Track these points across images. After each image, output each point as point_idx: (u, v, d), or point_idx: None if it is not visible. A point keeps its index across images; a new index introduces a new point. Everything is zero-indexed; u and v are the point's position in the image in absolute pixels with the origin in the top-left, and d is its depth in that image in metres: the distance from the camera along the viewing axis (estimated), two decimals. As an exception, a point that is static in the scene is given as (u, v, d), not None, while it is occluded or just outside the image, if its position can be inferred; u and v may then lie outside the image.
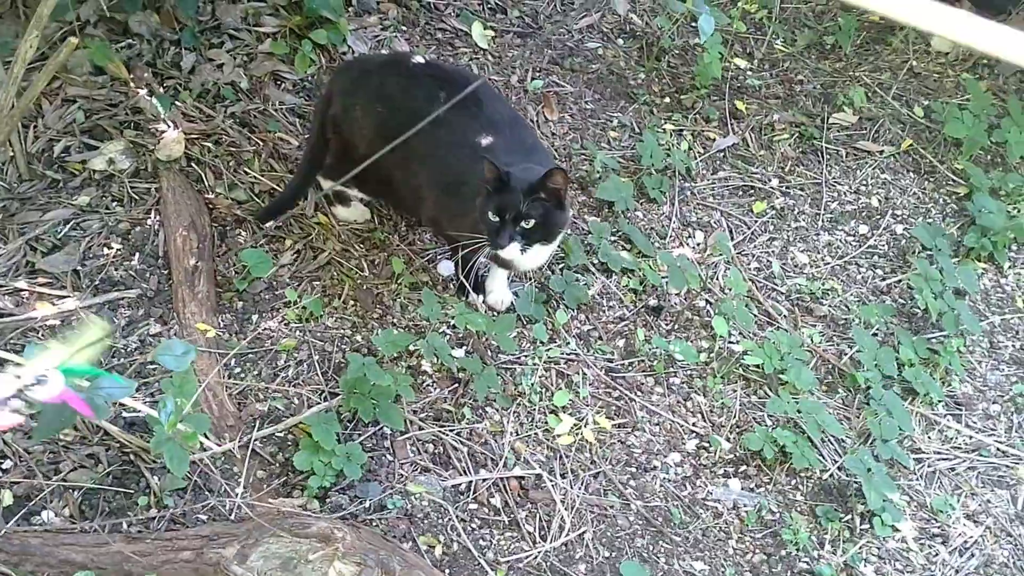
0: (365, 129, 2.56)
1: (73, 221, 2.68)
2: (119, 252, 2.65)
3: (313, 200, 2.86)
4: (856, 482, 2.37)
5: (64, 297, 2.52)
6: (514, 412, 2.48)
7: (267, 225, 2.76)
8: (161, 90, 3.00)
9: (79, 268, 2.60)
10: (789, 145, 3.32)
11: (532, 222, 2.21)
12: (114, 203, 2.76)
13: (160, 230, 2.71)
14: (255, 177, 2.89)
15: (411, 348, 2.53)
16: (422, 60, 2.70)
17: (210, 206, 2.80)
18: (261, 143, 2.98)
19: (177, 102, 2.99)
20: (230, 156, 2.93)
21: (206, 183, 2.85)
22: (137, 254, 2.66)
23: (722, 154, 3.27)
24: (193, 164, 2.88)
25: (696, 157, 3.23)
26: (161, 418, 1.35)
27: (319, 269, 2.73)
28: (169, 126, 2.92)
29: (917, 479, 2.45)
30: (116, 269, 2.62)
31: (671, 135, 3.27)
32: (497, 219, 2.20)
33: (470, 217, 2.38)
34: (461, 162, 2.41)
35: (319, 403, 2.41)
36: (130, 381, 1.27)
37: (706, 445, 2.46)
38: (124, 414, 2.30)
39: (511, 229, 2.20)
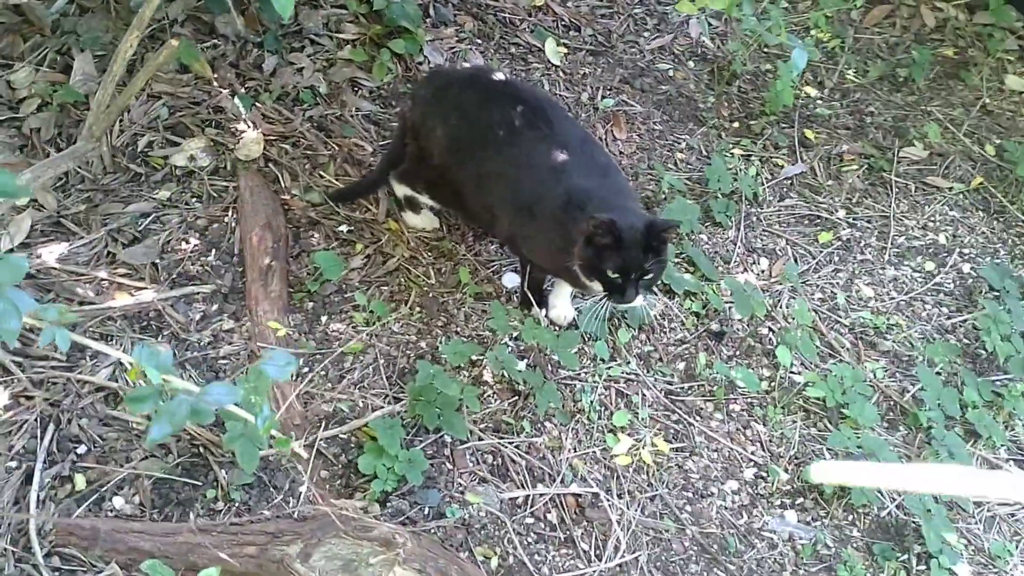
0: (440, 140, 2.61)
1: (154, 215, 2.76)
2: (196, 247, 2.72)
3: (385, 206, 2.91)
4: (915, 521, 2.35)
5: (142, 288, 2.60)
6: (573, 428, 2.50)
7: (340, 206, 2.87)
8: (243, 90, 3.08)
9: (157, 261, 2.67)
10: (857, 176, 3.31)
11: (651, 276, 2.27)
12: (193, 199, 2.83)
13: (236, 228, 2.77)
14: (330, 181, 2.95)
15: (474, 358, 2.56)
16: (501, 77, 2.74)
17: (285, 207, 2.87)
18: (337, 148, 3.03)
19: (257, 103, 3.06)
20: (306, 159, 2.99)
21: (282, 184, 2.91)
22: (214, 250, 2.73)
23: (789, 182, 3.27)
24: (271, 165, 2.94)
25: (763, 183, 3.23)
26: (258, 424, 1.39)
27: (387, 275, 2.78)
28: (249, 126, 2.99)
29: (976, 523, 2.43)
30: (193, 264, 2.69)
31: (739, 160, 3.27)
32: (619, 276, 2.24)
33: (545, 241, 2.42)
34: (535, 183, 2.44)
35: (383, 407, 2.46)
36: (236, 388, 1.31)
37: (764, 475, 2.46)
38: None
39: (635, 284, 2.25)
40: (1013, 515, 2.46)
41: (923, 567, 2.30)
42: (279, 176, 2.92)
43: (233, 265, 2.71)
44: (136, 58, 2.92)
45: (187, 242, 2.72)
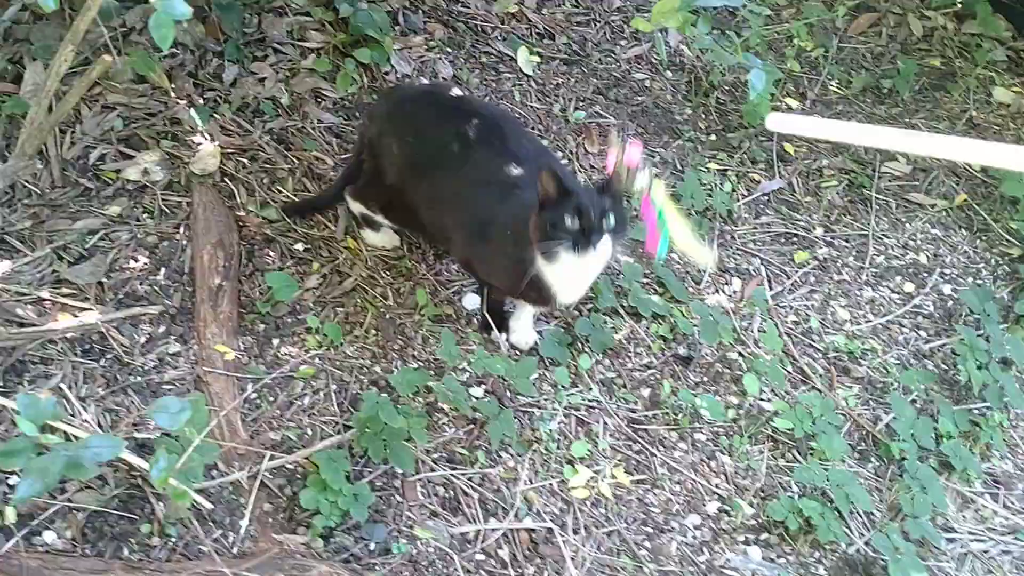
0: (394, 158, 2.53)
1: (102, 231, 2.67)
2: (145, 266, 2.63)
3: (344, 224, 2.82)
4: (883, 559, 2.26)
5: (86, 309, 2.50)
6: (529, 459, 2.41)
7: (296, 222, 2.80)
8: (201, 101, 2.98)
9: (104, 280, 2.58)
10: (837, 192, 3.22)
11: (613, 218, 2.13)
12: (145, 215, 2.74)
13: (188, 246, 2.68)
14: (288, 196, 2.85)
15: (430, 384, 2.47)
16: (457, 93, 2.65)
17: (240, 223, 2.77)
18: (297, 161, 2.94)
19: (216, 115, 2.97)
20: (264, 173, 2.90)
21: (238, 199, 2.82)
22: (163, 269, 2.64)
23: (766, 198, 3.18)
24: (227, 179, 2.85)
25: (739, 199, 3.13)
26: (152, 475, 1.30)
27: (344, 295, 2.69)
28: (206, 139, 2.89)
29: (948, 560, 2.34)
30: (141, 283, 2.59)
31: (715, 175, 3.18)
32: (578, 221, 2.09)
33: (502, 259, 2.33)
34: (489, 201, 2.35)
35: (332, 435, 2.36)
36: (118, 440, 1.22)
37: (728, 509, 2.37)
38: (136, 433, 2.27)
39: (599, 230, 2.10)
40: (987, 552, 2.36)
41: (890, 608, 2.21)
42: (235, 191, 2.83)
43: (183, 284, 2.61)
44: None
45: (136, 260, 2.63)
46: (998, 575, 2.32)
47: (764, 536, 2.33)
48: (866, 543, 2.31)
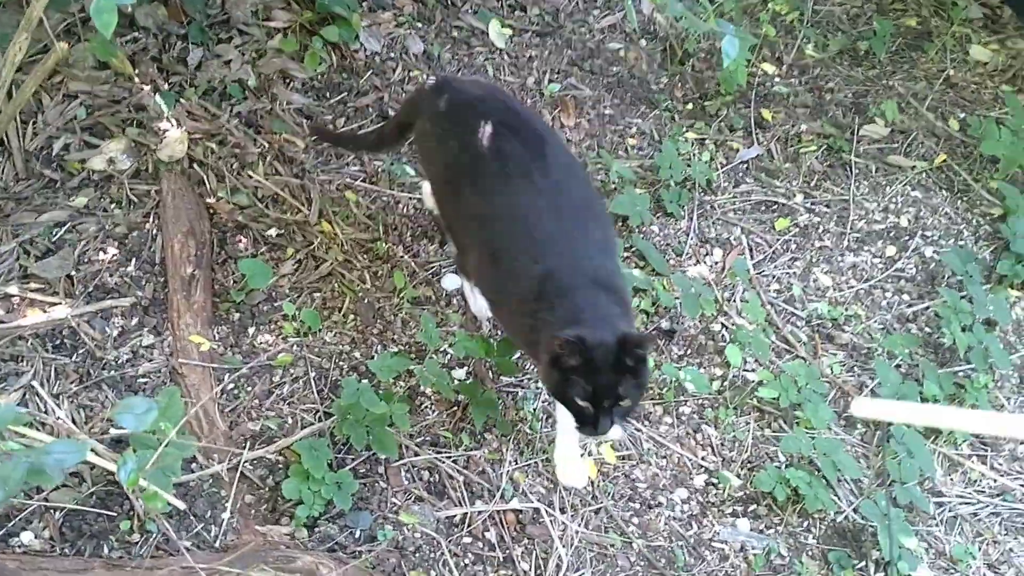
0: (434, 158, 2.37)
1: (69, 223, 2.61)
2: (115, 257, 2.57)
3: (318, 207, 2.76)
4: (872, 526, 2.25)
5: (55, 304, 2.45)
6: (514, 439, 2.38)
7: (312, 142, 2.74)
8: (166, 86, 2.91)
9: (73, 273, 2.52)
10: (816, 158, 3.18)
11: (627, 403, 1.90)
12: (112, 205, 2.68)
13: (158, 235, 2.62)
14: (259, 181, 2.79)
15: (411, 368, 2.43)
16: (513, 107, 2.35)
17: (211, 211, 2.71)
18: (267, 144, 2.88)
19: (182, 100, 2.90)
20: (234, 158, 2.84)
21: (208, 186, 2.76)
22: (133, 260, 2.58)
23: (745, 166, 3.14)
24: (195, 165, 2.79)
25: (718, 168, 3.09)
26: (120, 477, 1.26)
27: (320, 280, 2.64)
28: (172, 125, 2.83)
29: (937, 524, 2.33)
30: (111, 275, 2.54)
31: (693, 144, 3.13)
32: (590, 405, 1.88)
33: (516, 324, 2.16)
34: (513, 256, 2.12)
35: (313, 423, 2.33)
36: (82, 444, 1.18)
37: (715, 481, 2.35)
38: (112, 429, 2.23)
39: (609, 414, 1.89)
40: (975, 514, 2.35)
41: (881, 574, 2.20)
42: (204, 177, 2.77)
43: (154, 275, 2.56)
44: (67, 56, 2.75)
45: (105, 252, 2.57)
46: (987, 537, 2.32)
47: (752, 507, 2.32)
48: (855, 510, 2.30)
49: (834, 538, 2.28)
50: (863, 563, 2.23)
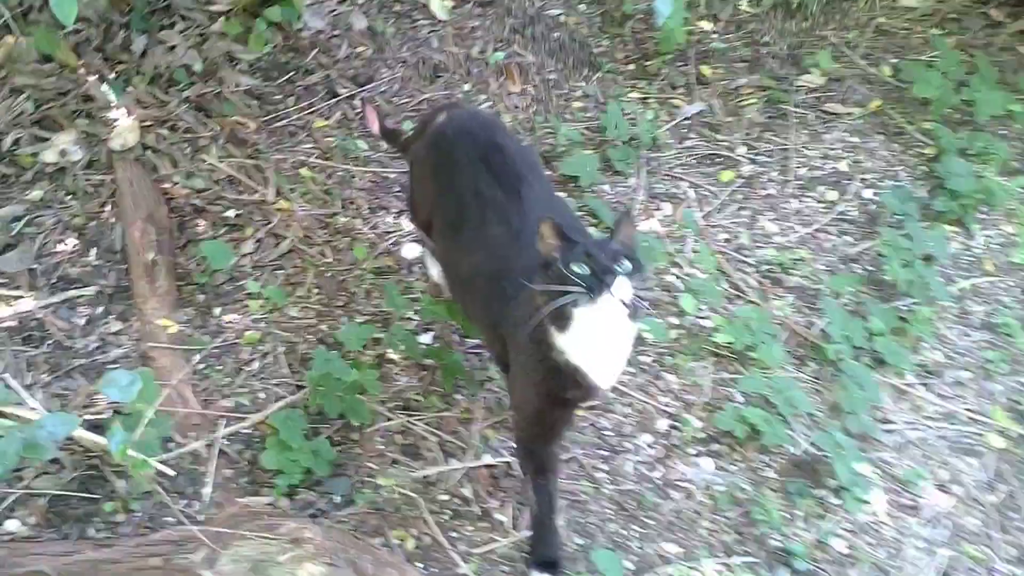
0: (426, 189, 2.33)
1: (26, 217, 2.62)
2: (75, 248, 2.59)
3: (275, 186, 2.80)
4: (827, 457, 2.37)
5: (20, 297, 2.47)
6: (483, 398, 2.45)
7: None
8: (112, 76, 2.92)
9: (35, 266, 2.54)
10: (756, 110, 3.28)
11: (628, 264, 1.79)
12: (68, 197, 2.69)
13: (117, 223, 2.65)
14: (213, 164, 2.82)
15: (377, 336, 2.50)
16: (503, 143, 2.25)
17: (168, 196, 2.74)
18: (218, 127, 2.91)
19: (129, 88, 2.91)
20: (186, 143, 2.86)
21: (162, 172, 2.78)
22: (94, 249, 2.60)
23: (688, 122, 3.23)
24: (148, 152, 2.81)
25: (662, 126, 3.18)
26: (111, 447, 1.31)
27: (281, 257, 2.69)
28: (122, 113, 2.83)
29: (888, 450, 2.46)
30: (73, 266, 2.56)
31: (636, 104, 3.22)
32: (587, 268, 1.76)
33: (524, 373, 2.02)
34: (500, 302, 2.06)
35: (286, 397, 2.38)
36: (73, 417, 1.23)
37: (678, 425, 2.46)
38: (86, 415, 2.26)
39: (611, 268, 1.76)
40: (924, 438, 2.49)
41: (838, 501, 2.32)
42: (158, 164, 2.79)
43: (116, 263, 2.58)
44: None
45: (64, 243, 2.59)
46: (936, 459, 2.45)
47: (714, 447, 2.42)
48: (811, 443, 2.42)
49: (793, 471, 2.39)
50: (821, 492, 2.35)
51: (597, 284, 1.74)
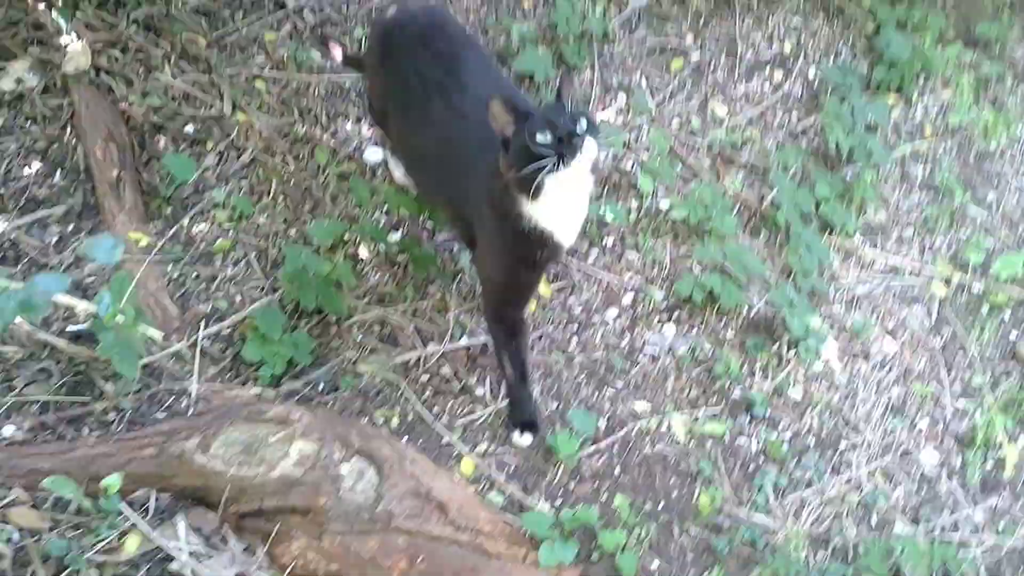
0: (376, 81, 2.44)
1: (-12, 144, 2.64)
2: (40, 170, 2.63)
3: (230, 100, 2.83)
4: (782, 313, 2.50)
5: (-10, 221, 2.50)
6: (456, 287, 2.55)
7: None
8: (60, 3, 2.90)
9: (1, 191, 2.57)
10: (702, 0, 3.34)
11: (585, 121, 1.86)
12: (28, 122, 2.71)
13: (78, 144, 2.67)
14: (167, 82, 2.84)
15: (347, 238, 2.57)
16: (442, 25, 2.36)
17: (125, 115, 2.76)
18: (169, 46, 2.92)
19: (78, 13, 2.90)
20: (139, 63, 2.87)
21: (118, 93, 2.80)
22: (58, 171, 2.64)
23: (637, 15, 3.29)
24: (102, 74, 2.82)
25: (612, 19, 3.23)
26: (99, 311, 1.39)
27: (244, 168, 2.73)
28: (72, 38, 2.84)
29: (838, 306, 2.60)
30: (39, 188, 2.59)
31: (586, 1, 3.26)
32: (550, 134, 1.82)
33: (491, 239, 2.11)
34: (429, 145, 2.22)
35: (261, 298, 2.46)
36: (63, 276, 1.30)
37: (641, 297, 2.57)
38: (69, 328, 2.32)
39: (573, 130, 1.83)
40: (871, 292, 2.63)
41: (793, 352, 2.46)
42: (113, 85, 2.81)
43: (82, 182, 2.62)
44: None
45: (29, 166, 2.62)
46: (883, 308, 2.60)
47: (676, 314, 2.55)
48: (765, 303, 2.55)
49: (750, 330, 2.53)
50: (777, 346, 2.49)
51: (568, 149, 1.81)
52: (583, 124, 1.84)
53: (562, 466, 2.21)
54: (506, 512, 2.11)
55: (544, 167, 1.81)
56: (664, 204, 2.76)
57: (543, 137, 1.82)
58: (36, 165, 2.62)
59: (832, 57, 3.18)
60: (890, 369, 2.47)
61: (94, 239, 1.43)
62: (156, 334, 1.53)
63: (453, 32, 2.34)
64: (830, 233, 2.72)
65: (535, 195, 1.88)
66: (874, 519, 2.20)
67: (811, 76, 3.15)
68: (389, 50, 2.31)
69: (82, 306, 1.38)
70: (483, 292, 2.28)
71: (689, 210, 2.67)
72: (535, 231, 1.96)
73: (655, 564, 2.06)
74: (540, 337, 2.48)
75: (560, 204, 1.93)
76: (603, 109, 3.01)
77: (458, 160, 2.11)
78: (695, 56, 3.19)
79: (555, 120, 1.84)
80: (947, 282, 2.65)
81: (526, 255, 2.02)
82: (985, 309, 2.62)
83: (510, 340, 2.18)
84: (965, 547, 2.16)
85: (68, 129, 2.70)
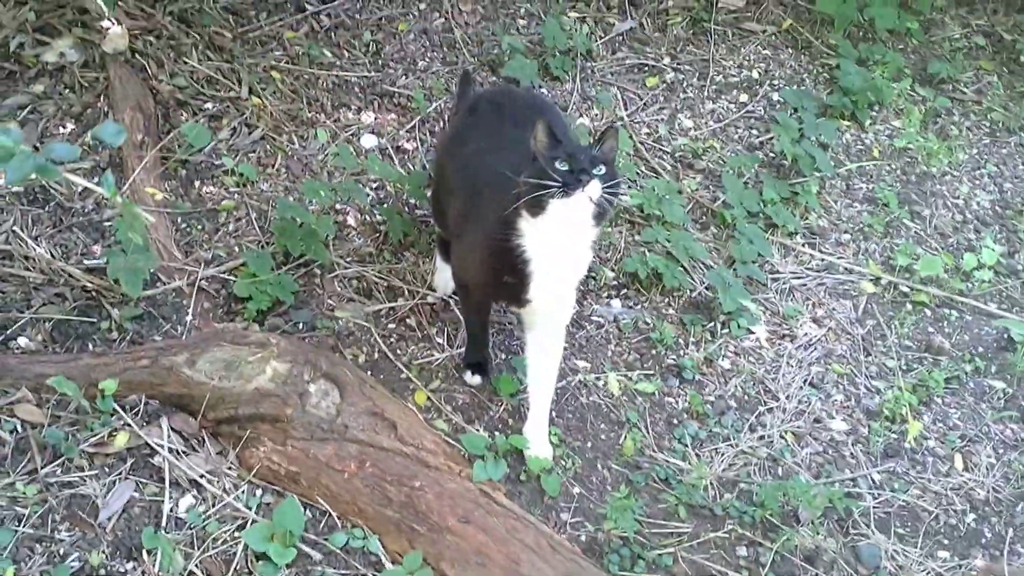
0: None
1: (31, 106, 3.00)
2: (73, 131, 2.98)
3: (248, 84, 3.19)
4: (719, 296, 2.77)
5: (26, 169, 2.85)
6: (429, 255, 2.85)
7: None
8: (105, -9, 3.30)
9: (38, 145, 2.92)
10: (681, 27, 3.68)
11: (603, 169, 2.05)
12: (67, 90, 3.07)
13: (110, 112, 3.03)
14: (193, 67, 3.21)
15: (337, 207, 2.89)
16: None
17: (154, 91, 3.13)
18: (198, 37, 3.29)
19: (120, 1, 3.29)
20: (171, 49, 3.25)
21: (149, 72, 3.17)
22: (90, 132, 2.99)
23: (621, 37, 3.63)
24: (137, 56, 3.19)
25: (597, 40, 3.58)
26: (104, 190, 1.70)
27: (254, 144, 3.08)
28: (113, 23, 3.22)
29: (773, 294, 2.87)
30: (72, 144, 2.94)
31: (574, 21, 3.62)
32: (567, 166, 2.03)
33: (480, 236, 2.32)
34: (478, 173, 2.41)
35: (257, 251, 2.77)
36: (74, 147, 1.61)
37: (593, 275, 2.86)
38: (85, 261, 2.65)
39: (587, 172, 2.02)
40: (805, 285, 2.90)
41: (726, 329, 2.73)
42: (146, 65, 3.18)
43: (109, 144, 2.97)
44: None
45: (64, 127, 2.98)
46: (814, 299, 2.87)
47: (623, 291, 2.83)
48: (706, 287, 2.83)
49: (690, 308, 2.80)
50: (712, 323, 2.75)
51: (573, 181, 2.02)
52: (599, 169, 2.05)
53: (504, 404, 2.48)
54: (449, 438, 2.37)
55: (550, 190, 2.03)
56: (624, 199, 3.06)
57: (561, 165, 2.05)
58: (71, 126, 2.98)
59: (796, 85, 3.50)
60: (814, 350, 2.73)
61: (101, 125, 1.73)
62: (150, 219, 1.83)
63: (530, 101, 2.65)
64: (774, 231, 3.00)
65: (536, 212, 2.09)
66: (779, 471, 2.44)
67: (774, 99, 3.46)
68: (476, 111, 2.59)
69: (81, 182, 1.68)
70: (453, 274, 2.54)
71: (644, 200, 2.96)
72: (517, 250, 2.17)
73: (576, 490, 2.31)
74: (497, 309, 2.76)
75: (552, 234, 2.12)
76: (580, 116, 3.33)
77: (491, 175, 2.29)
78: (670, 76, 3.52)
79: (577, 156, 2.06)
80: (876, 281, 2.91)
81: (497, 269, 2.23)
82: (909, 307, 2.88)
83: (474, 303, 2.47)
84: (860, 500, 2.39)
85: (102, 99, 3.06)
